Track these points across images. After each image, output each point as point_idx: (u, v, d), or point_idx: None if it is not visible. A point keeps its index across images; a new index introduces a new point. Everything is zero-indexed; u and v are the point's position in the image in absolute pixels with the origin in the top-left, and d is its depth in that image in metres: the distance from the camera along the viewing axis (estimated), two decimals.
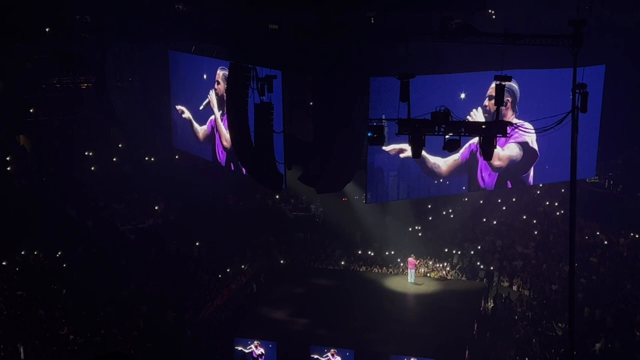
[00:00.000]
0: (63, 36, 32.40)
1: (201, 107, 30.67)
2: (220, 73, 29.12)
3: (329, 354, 24.40)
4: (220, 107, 29.39)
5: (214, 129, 30.41)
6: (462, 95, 25.92)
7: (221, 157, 30.35)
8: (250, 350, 25.03)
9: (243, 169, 27.91)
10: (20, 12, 31.22)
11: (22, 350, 24.09)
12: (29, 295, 27.36)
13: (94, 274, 29.05)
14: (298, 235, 34.80)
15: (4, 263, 29.12)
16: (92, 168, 36.56)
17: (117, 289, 28.36)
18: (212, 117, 30.40)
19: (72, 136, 35.80)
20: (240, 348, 25.11)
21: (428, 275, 30.96)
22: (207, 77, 30.22)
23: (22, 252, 30.10)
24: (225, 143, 29.55)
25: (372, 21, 28.00)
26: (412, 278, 29.96)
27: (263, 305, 28.35)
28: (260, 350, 25.01)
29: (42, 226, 30.97)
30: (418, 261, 31.00)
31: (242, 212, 36.34)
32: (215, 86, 29.61)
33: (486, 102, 26.38)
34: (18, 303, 26.87)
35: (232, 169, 29.82)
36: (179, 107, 32.16)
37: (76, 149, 36.17)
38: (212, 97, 29.99)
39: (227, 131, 28.27)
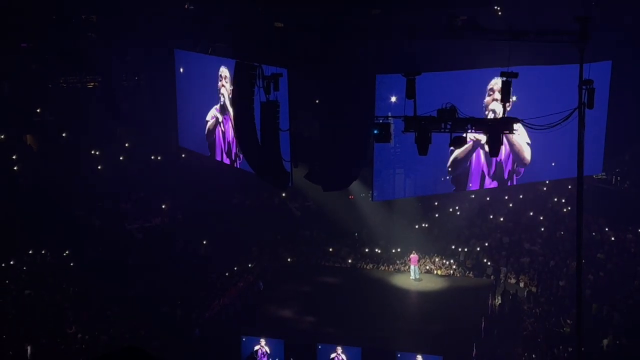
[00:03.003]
0: (69, 36, 32.49)
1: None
2: (225, 71, 29.27)
3: (338, 351, 24.41)
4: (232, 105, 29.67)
5: (220, 125, 30.64)
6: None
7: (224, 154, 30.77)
8: (257, 349, 25.04)
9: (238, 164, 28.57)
10: (26, 12, 31.29)
11: (29, 349, 24.18)
12: (36, 295, 27.47)
13: (101, 273, 29.14)
14: (304, 233, 34.82)
15: (11, 262, 29.25)
16: (99, 167, 36.63)
17: (124, 288, 28.43)
18: (216, 114, 30.66)
19: (78, 135, 35.89)
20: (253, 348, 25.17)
21: (435, 272, 30.93)
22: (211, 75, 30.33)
23: (30, 252, 30.21)
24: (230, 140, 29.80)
25: (378, 19, 27.96)
26: (416, 274, 29.94)
27: (270, 303, 28.36)
28: (266, 349, 25.01)
29: (49, 226, 31.08)
30: (424, 259, 31.00)
31: (249, 210, 36.36)
32: (225, 84, 29.80)
33: (486, 99, 26.39)
34: (26, 302, 26.99)
35: (237, 166, 30.03)
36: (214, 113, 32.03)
37: (83, 149, 36.25)
38: (224, 94, 30.16)
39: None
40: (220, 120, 30.64)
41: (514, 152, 27.48)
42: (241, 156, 29.05)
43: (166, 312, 27.30)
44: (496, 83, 26.39)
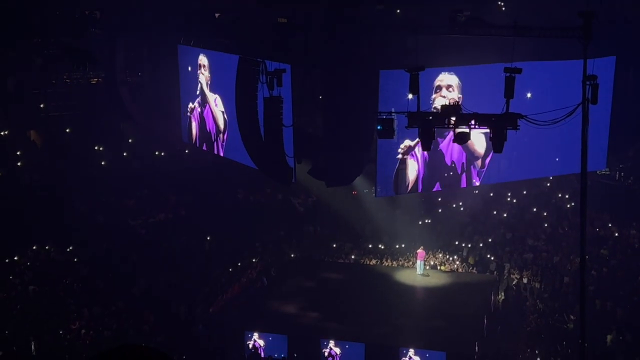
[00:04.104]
0: (73, 31, 32.48)
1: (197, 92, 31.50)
2: (204, 59, 29.86)
3: (330, 345, 24.47)
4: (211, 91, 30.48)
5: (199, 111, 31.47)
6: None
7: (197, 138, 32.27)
8: (252, 342, 25.08)
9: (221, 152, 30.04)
10: (29, 8, 31.28)
11: (33, 344, 24.24)
12: (40, 290, 27.52)
13: (105, 269, 29.18)
14: (308, 228, 34.83)
15: (15, 258, 29.29)
16: (102, 163, 36.65)
17: (127, 284, 28.47)
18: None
19: (82, 131, 35.90)
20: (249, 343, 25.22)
21: (438, 268, 30.91)
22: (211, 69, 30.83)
23: (34, 247, 30.25)
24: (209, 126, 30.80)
25: (381, 14, 27.92)
26: (421, 269, 29.95)
27: (274, 298, 28.39)
28: (260, 342, 25.06)
29: (52, 221, 31.09)
30: (428, 254, 31.02)
31: (252, 206, 36.38)
32: (203, 72, 30.25)
33: (433, 95, 26.10)
34: (30, 298, 27.05)
35: (205, 149, 31.75)
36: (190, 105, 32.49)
37: (86, 144, 36.26)
38: (202, 82, 30.66)
39: (218, 115, 29.73)
40: (195, 107, 31.24)
41: (465, 146, 25.85)
42: (224, 144, 29.53)
43: (170, 308, 27.32)
44: (441, 80, 26.19)
